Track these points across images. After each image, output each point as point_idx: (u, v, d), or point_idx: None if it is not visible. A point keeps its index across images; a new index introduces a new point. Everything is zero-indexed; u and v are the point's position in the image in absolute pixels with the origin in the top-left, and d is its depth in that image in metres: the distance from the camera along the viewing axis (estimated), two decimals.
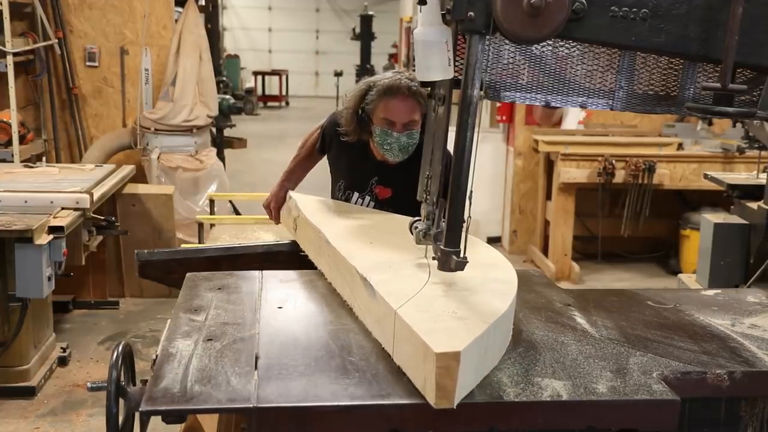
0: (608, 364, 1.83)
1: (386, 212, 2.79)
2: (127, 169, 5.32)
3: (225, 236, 5.02)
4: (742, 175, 5.13)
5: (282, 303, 2.19)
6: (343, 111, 2.85)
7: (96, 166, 5.22)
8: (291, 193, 2.98)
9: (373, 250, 2.24)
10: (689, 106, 1.86)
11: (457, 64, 1.84)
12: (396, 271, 2.03)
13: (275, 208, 3.13)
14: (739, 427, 1.91)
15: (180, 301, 2.20)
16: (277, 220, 3.15)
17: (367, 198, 2.94)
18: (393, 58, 17.19)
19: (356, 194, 2.95)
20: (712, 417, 1.89)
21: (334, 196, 3.03)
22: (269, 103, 19.92)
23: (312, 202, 2.82)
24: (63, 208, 4.05)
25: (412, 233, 2.14)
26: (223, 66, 13.95)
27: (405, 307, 1.74)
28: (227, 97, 7.58)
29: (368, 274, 1.96)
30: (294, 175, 3.20)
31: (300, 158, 3.21)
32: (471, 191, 1.76)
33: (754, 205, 4.27)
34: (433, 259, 1.97)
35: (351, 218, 2.64)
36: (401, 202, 2.77)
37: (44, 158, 5.86)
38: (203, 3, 7.91)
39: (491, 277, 2.05)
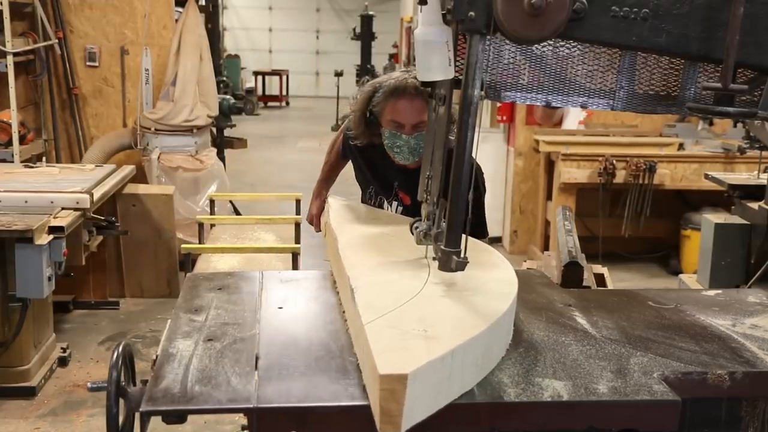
0: (609, 364, 1.82)
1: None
2: (128, 169, 5.32)
3: (225, 236, 5.03)
4: (743, 176, 5.13)
5: (282, 303, 2.19)
6: (350, 115, 2.76)
7: (96, 166, 5.22)
8: (329, 197, 2.89)
9: (381, 258, 2.17)
10: (690, 106, 1.86)
11: (457, 64, 1.84)
12: (391, 281, 1.97)
13: (317, 215, 3.06)
14: (740, 428, 1.91)
15: (180, 302, 2.19)
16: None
17: (395, 203, 2.84)
18: (393, 58, 17.19)
19: (385, 200, 2.86)
20: (713, 417, 1.88)
21: (365, 202, 2.95)
22: (269, 103, 19.92)
23: (343, 208, 2.73)
24: (63, 208, 4.05)
25: (412, 233, 2.14)
26: (224, 66, 13.94)
27: (375, 323, 1.66)
28: (227, 97, 7.58)
29: (361, 282, 1.91)
30: (326, 183, 3.17)
31: (329, 164, 3.17)
32: (471, 191, 1.76)
33: (755, 205, 4.27)
34: (434, 259, 1.96)
35: (375, 226, 2.53)
36: None
37: (44, 158, 5.87)
38: (203, 3, 7.91)
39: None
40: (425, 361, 1.47)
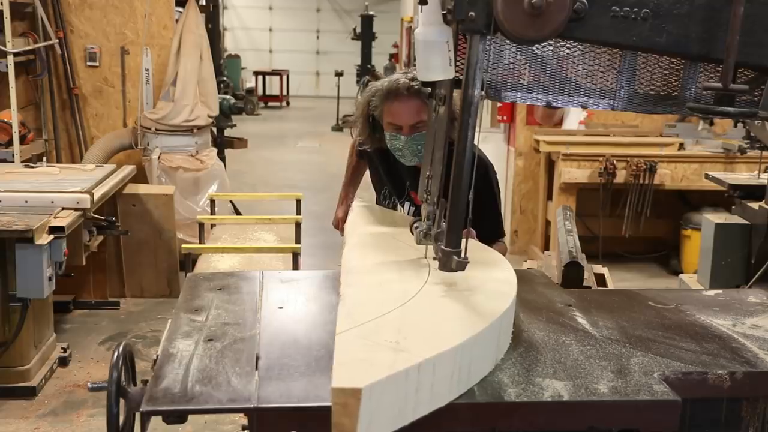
0: (609, 364, 1.82)
1: None
2: (128, 169, 5.32)
3: (226, 236, 5.03)
4: (743, 175, 5.13)
5: (282, 303, 2.19)
6: (355, 122, 2.76)
7: (97, 166, 5.22)
8: (355, 201, 2.89)
9: (384, 259, 2.15)
10: (690, 106, 1.86)
11: (458, 64, 1.84)
12: (391, 281, 1.96)
13: (343, 220, 3.00)
14: (741, 428, 1.90)
15: (180, 302, 2.20)
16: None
17: (407, 204, 2.83)
18: (394, 58, 17.20)
19: (397, 200, 2.85)
20: (714, 417, 1.88)
21: (379, 203, 2.92)
22: (270, 103, 19.92)
23: (362, 210, 2.71)
24: (63, 208, 4.05)
25: (412, 233, 2.14)
26: (224, 66, 13.94)
27: (349, 332, 1.62)
28: (228, 97, 7.59)
29: (356, 286, 1.89)
30: (352, 186, 3.15)
31: (351, 167, 3.15)
32: (472, 191, 1.76)
33: (755, 205, 4.27)
34: (434, 259, 1.96)
35: (386, 227, 2.49)
36: None
37: (45, 158, 5.87)
38: (204, 3, 7.90)
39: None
40: (385, 374, 1.41)
